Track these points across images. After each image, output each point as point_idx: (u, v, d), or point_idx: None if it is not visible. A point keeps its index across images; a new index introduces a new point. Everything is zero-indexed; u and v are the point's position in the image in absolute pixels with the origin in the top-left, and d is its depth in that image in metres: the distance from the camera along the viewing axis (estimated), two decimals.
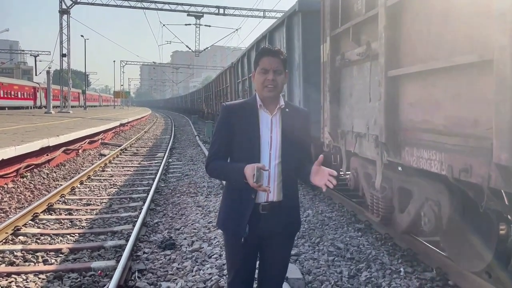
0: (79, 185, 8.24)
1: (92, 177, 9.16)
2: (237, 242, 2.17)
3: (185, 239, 5.08)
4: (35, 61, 52.21)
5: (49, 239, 5.13)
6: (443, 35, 3.14)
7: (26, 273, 4.06)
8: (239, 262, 2.25)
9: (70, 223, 5.81)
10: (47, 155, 10.09)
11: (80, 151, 12.73)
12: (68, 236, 5.24)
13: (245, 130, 2.12)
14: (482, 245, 3.39)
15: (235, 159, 2.17)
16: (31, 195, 7.46)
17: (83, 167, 10.74)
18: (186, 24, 32.81)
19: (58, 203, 6.82)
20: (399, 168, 4.24)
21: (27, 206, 6.47)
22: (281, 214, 2.16)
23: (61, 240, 5.10)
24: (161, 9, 29.92)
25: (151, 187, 7.89)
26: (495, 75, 2.48)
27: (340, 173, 6.70)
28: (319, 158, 2.06)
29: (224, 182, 2.37)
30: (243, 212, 2.13)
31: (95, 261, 4.41)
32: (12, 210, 6.44)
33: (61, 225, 5.74)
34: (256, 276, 2.36)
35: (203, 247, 4.72)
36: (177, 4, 30.35)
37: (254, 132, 2.12)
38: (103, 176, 9.44)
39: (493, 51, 2.50)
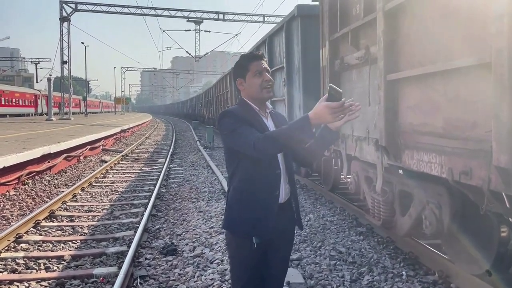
0: (80, 192, 8.24)
1: (94, 184, 9.17)
2: (250, 248, 2.13)
3: (186, 244, 5.08)
4: (36, 68, 52.41)
5: (51, 246, 5.13)
6: (441, 39, 3.15)
7: (28, 280, 4.06)
8: (249, 270, 2.20)
9: (72, 230, 5.81)
10: (49, 162, 10.11)
11: (81, 157, 12.75)
12: (70, 243, 5.24)
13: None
14: (483, 248, 3.39)
15: (250, 164, 2.10)
16: (32, 202, 7.47)
17: (84, 173, 10.75)
18: (186, 30, 32.90)
19: (60, 210, 6.83)
20: (400, 171, 4.25)
21: (29, 213, 6.48)
22: (291, 211, 2.25)
23: (63, 247, 5.10)
24: (161, 15, 30.03)
25: (152, 192, 7.90)
26: (493, 77, 2.49)
27: (341, 177, 6.71)
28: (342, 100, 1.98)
29: (226, 188, 2.35)
30: (268, 211, 2.12)
31: (97, 267, 4.41)
32: (14, 218, 6.45)
33: (63, 232, 5.74)
34: None
35: (204, 253, 4.72)
36: (176, 10, 30.49)
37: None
38: (104, 183, 9.44)
39: (491, 54, 2.52)
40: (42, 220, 6.13)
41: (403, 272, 4.08)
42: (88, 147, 13.75)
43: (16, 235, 5.28)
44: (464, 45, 2.88)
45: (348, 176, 5.64)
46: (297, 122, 1.89)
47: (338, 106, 1.79)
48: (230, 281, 3.80)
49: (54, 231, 5.75)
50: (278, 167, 2.16)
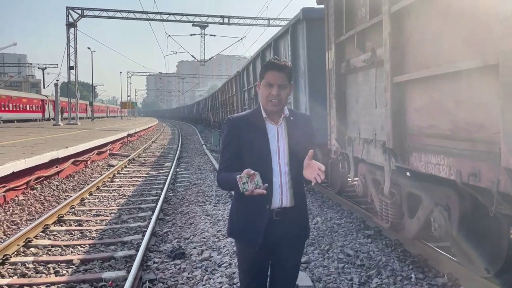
0: (88, 196, 8.30)
1: (101, 188, 9.23)
2: (251, 251, 2.20)
3: (194, 248, 5.09)
4: (43, 74, 52.89)
5: (60, 250, 5.17)
6: (448, 41, 3.15)
7: (38, 284, 4.09)
8: (253, 270, 2.27)
9: (80, 234, 5.85)
10: (57, 166, 10.19)
11: (88, 162, 12.83)
12: (79, 247, 5.28)
13: (254, 142, 2.18)
14: (493, 250, 3.37)
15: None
16: (41, 207, 7.52)
17: (92, 178, 10.81)
18: (191, 34, 33.11)
19: (68, 215, 6.88)
20: (408, 174, 4.24)
21: (37, 218, 6.54)
22: (293, 219, 2.23)
23: (72, 251, 5.14)
24: (166, 20, 30.20)
25: (159, 196, 7.94)
26: (501, 79, 2.49)
27: (348, 179, 6.70)
28: (309, 152, 2.09)
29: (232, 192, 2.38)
30: (258, 221, 2.17)
31: (106, 271, 4.44)
32: (23, 222, 6.50)
33: (72, 236, 5.78)
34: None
35: (212, 256, 4.73)
36: (182, 14, 30.64)
37: (263, 143, 2.18)
38: (112, 187, 9.50)
39: (498, 56, 2.51)
40: (51, 224, 6.17)
41: (412, 275, 4.06)
42: (95, 151, 13.84)
43: (26, 239, 5.32)
44: (471, 47, 2.88)
45: (355, 179, 5.63)
46: (232, 180, 2.08)
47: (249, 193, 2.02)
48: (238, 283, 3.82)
49: (63, 235, 5.79)
50: (271, 177, 2.14)
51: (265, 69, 2.19)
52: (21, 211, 7.17)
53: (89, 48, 41.10)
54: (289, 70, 2.20)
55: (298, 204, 2.25)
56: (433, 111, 3.39)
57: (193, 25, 31.08)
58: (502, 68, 2.48)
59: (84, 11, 29.26)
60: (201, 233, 5.69)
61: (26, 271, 4.44)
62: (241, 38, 33.29)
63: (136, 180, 10.44)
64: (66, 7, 28.79)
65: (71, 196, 8.19)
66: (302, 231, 2.31)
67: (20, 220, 6.62)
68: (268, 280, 2.37)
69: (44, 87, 54.96)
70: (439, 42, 3.26)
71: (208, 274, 4.24)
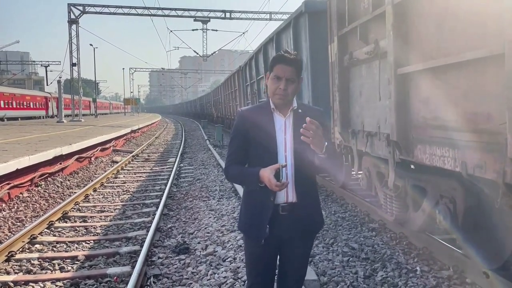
0: (92, 193, 8.31)
1: (105, 184, 9.24)
2: (257, 245, 2.18)
3: (199, 243, 5.09)
4: (46, 71, 52.91)
5: (65, 246, 5.18)
6: (452, 31, 3.11)
7: (43, 281, 4.10)
8: (259, 265, 2.25)
9: (85, 230, 5.86)
10: (61, 163, 10.22)
11: (92, 158, 12.86)
12: (84, 243, 5.29)
13: (261, 134, 2.15)
14: (499, 242, 3.35)
15: (252, 163, 2.19)
16: (46, 204, 7.55)
17: (96, 174, 10.84)
18: (193, 30, 32.95)
19: (73, 211, 6.89)
20: (412, 166, 4.21)
21: (42, 215, 6.56)
22: (301, 214, 2.17)
23: (76, 248, 5.15)
24: (168, 16, 30.12)
25: (163, 192, 7.94)
26: (506, 69, 2.45)
27: (352, 173, 6.67)
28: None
29: (236, 186, 2.37)
30: (263, 215, 2.15)
31: (111, 267, 4.45)
32: (28, 219, 6.52)
33: (76, 233, 5.79)
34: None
35: (217, 251, 4.73)
36: (183, 9, 30.55)
37: (269, 135, 2.15)
38: (116, 183, 9.51)
39: (503, 45, 2.47)
40: (56, 221, 6.19)
41: (417, 268, 4.04)
42: (99, 148, 13.87)
43: (31, 236, 5.34)
44: (477, 37, 2.84)
45: (359, 172, 5.61)
46: (250, 174, 2.13)
47: (274, 187, 2.00)
48: (244, 278, 3.82)
49: (68, 232, 5.81)
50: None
51: (274, 62, 2.15)
52: (26, 208, 7.20)
53: (91, 44, 41.11)
54: (299, 64, 2.16)
55: (307, 199, 2.17)
56: (438, 103, 3.35)
57: (194, 20, 30.98)
58: (507, 58, 2.44)
59: (86, 7, 29.20)
60: (205, 228, 5.69)
61: (32, 268, 4.45)
62: (243, 33, 33.15)
63: (140, 176, 10.46)
64: (68, 4, 28.76)
65: (75, 192, 8.21)
66: (312, 227, 2.26)
67: (25, 217, 6.64)
68: (276, 275, 2.35)
69: (47, 84, 54.94)
70: (444, 32, 3.22)
71: (212, 269, 4.25)
